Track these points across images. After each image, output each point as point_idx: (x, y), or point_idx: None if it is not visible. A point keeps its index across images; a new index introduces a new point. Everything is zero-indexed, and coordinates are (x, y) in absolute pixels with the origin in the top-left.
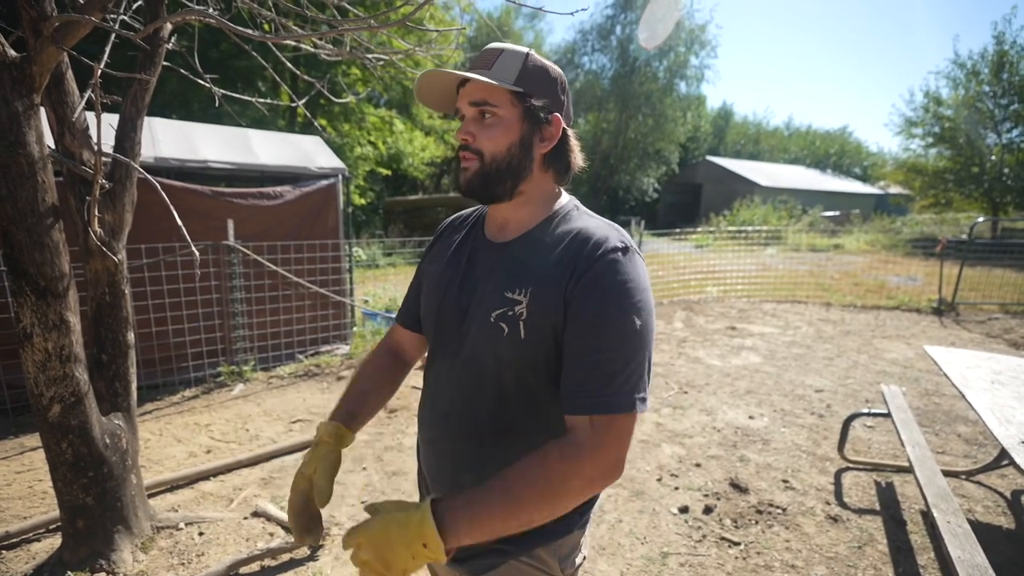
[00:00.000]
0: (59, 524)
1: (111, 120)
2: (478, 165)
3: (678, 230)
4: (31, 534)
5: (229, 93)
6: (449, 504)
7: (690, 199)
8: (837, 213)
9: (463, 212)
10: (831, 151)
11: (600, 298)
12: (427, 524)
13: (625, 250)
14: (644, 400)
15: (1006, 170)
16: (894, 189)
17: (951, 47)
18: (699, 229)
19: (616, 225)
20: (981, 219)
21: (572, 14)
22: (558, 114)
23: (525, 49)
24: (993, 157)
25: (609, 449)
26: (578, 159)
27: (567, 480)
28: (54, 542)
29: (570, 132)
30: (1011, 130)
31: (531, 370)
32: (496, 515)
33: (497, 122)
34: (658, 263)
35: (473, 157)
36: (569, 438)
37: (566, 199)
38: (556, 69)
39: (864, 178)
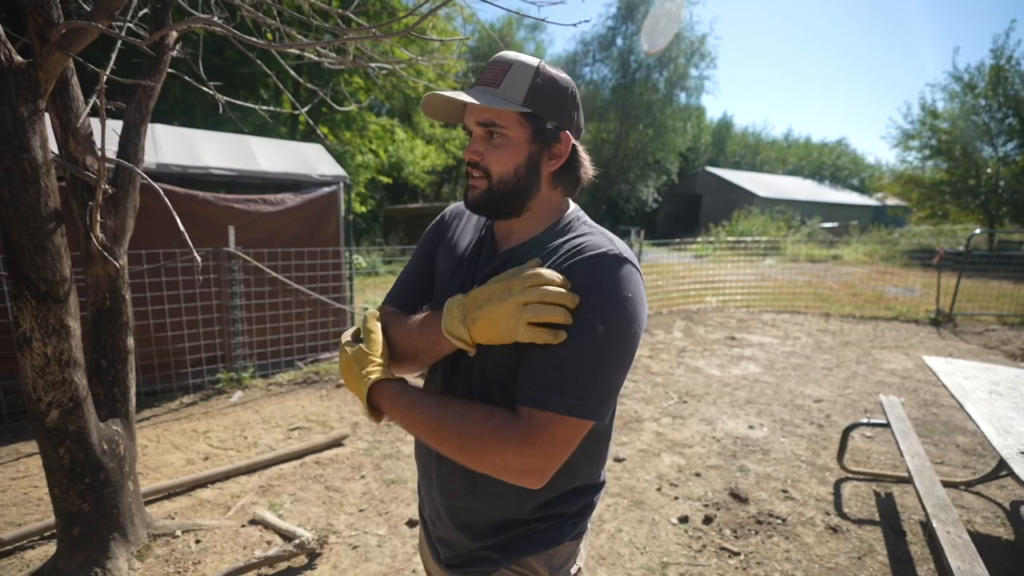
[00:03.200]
0: (54, 531)
1: (115, 126)
2: (486, 185)
3: (677, 240)
4: (25, 541)
5: (232, 100)
6: (399, 387)
7: (689, 209)
8: (835, 224)
9: None
10: (828, 162)
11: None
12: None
13: (616, 257)
14: (593, 411)
15: (1002, 183)
16: (892, 201)
17: (951, 60)
18: (698, 239)
19: (615, 237)
20: (978, 231)
21: (575, 25)
22: (567, 131)
23: (535, 62)
24: (989, 170)
25: (538, 448)
26: (588, 172)
27: (487, 453)
28: (49, 549)
29: (579, 147)
30: (1007, 143)
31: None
32: (420, 427)
33: (505, 143)
34: (657, 273)
35: (481, 176)
36: (514, 420)
37: (571, 210)
38: (566, 80)
39: (862, 189)
